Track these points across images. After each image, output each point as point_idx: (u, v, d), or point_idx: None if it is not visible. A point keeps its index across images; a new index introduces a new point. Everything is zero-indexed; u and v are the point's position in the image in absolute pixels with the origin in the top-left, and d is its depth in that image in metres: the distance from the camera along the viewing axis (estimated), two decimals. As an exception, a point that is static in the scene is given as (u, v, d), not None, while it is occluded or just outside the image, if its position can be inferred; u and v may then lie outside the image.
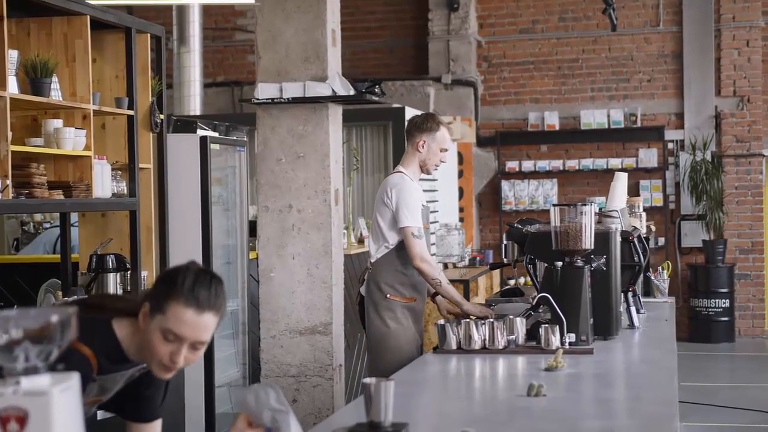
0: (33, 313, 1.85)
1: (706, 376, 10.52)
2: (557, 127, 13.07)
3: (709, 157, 12.59)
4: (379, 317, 5.27)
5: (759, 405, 8.83)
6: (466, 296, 9.06)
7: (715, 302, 12.45)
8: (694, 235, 12.80)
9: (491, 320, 4.45)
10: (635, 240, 5.19)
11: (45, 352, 1.84)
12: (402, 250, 5.26)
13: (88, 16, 5.33)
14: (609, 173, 12.80)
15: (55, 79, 5.08)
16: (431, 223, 9.73)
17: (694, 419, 8.30)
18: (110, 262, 5.59)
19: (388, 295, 5.27)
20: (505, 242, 5.34)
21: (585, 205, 4.54)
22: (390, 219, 5.26)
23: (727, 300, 12.47)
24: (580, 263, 4.53)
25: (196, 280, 2.64)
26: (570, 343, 4.36)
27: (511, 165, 13.16)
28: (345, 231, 8.09)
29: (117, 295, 2.88)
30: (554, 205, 4.58)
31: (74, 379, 1.87)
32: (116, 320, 2.76)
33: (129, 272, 5.73)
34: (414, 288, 5.30)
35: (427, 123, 5.41)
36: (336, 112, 6.28)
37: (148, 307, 2.67)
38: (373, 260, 5.35)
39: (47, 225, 9.39)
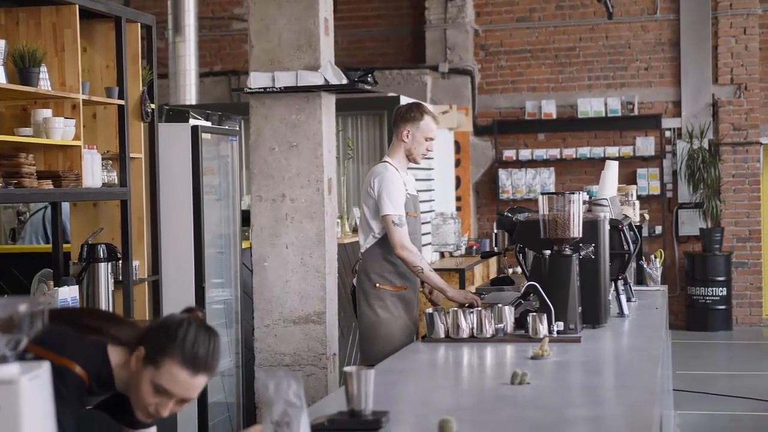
0: (1, 303, 1.85)
1: (703, 365, 10.52)
2: (554, 116, 13.06)
3: (706, 146, 12.58)
4: (369, 306, 5.29)
5: (755, 393, 8.84)
6: (462, 285, 9.07)
7: (713, 290, 12.45)
8: (691, 224, 12.79)
9: (479, 309, 4.45)
10: (625, 228, 5.18)
11: (13, 342, 1.84)
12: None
13: (77, 6, 5.32)
14: (606, 162, 12.77)
15: (43, 68, 5.07)
16: (426, 212, 9.78)
17: (691, 407, 8.31)
18: (101, 251, 5.59)
19: (377, 285, 5.29)
20: (495, 231, 5.33)
21: (573, 193, 4.54)
22: (374, 208, 5.31)
23: (725, 288, 12.47)
24: (568, 251, 4.53)
25: (197, 338, 2.63)
26: (558, 332, 4.36)
27: (509, 154, 13.15)
28: (339, 220, 8.09)
29: (114, 319, 2.81)
30: (542, 194, 4.58)
31: (44, 368, 1.87)
32: (111, 346, 2.72)
33: (120, 262, 5.74)
34: (403, 276, 5.31)
35: (410, 112, 5.41)
36: (329, 102, 6.27)
37: (143, 352, 2.64)
38: (362, 250, 5.38)
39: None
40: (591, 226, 4.67)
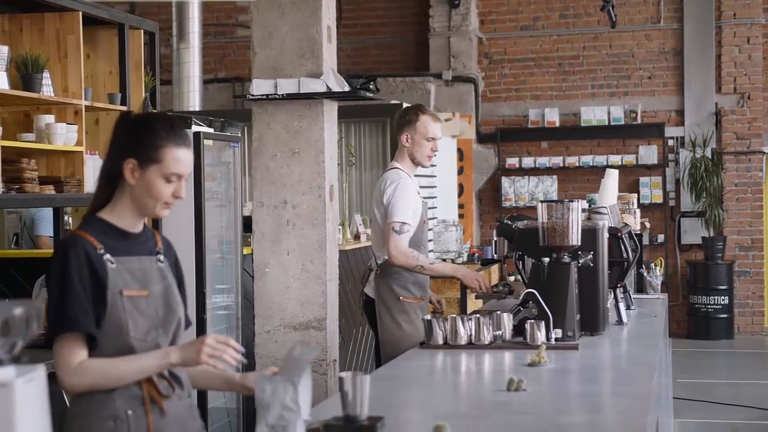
0: (-3, 306, 1.87)
1: (705, 373, 10.53)
2: (557, 124, 13.08)
3: (709, 154, 12.60)
4: (393, 320, 5.20)
5: (756, 402, 8.85)
6: (463, 292, 9.06)
7: (715, 299, 12.45)
8: (693, 232, 12.80)
9: (477, 315, 4.45)
10: (624, 236, 5.19)
11: (9, 344, 1.86)
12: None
13: (81, 12, 5.36)
14: (609, 170, 12.80)
15: (46, 74, 5.10)
16: (429, 219, 9.79)
17: (692, 416, 8.31)
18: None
19: (401, 297, 5.22)
20: (495, 238, 5.34)
21: (572, 201, 4.55)
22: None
23: (727, 297, 12.47)
24: (566, 259, 4.54)
25: (169, 123, 2.88)
26: (556, 339, 4.37)
27: (512, 161, 13.17)
28: (340, 227, 8.11)
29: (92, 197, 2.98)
30: (541, 202, 4.59)
31: (39, 371, 1.89)
32: (98, 212, 2.91)
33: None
34: (422, 287, 5.28)
35: (406, 116, 5.36)
36: (331, 109, 6.29)
37: (134, 163, 2.83)
38: (379, 261, 5.27)
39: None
40: (590, 234, 4.68)
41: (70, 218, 6.16)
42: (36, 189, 4.94)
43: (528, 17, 13.33)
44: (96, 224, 2.90)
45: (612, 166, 12.67)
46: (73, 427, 2.85)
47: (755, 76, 12.77)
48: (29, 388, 1.85)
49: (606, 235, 4.83)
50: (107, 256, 2.84)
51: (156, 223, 6.23)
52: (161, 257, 2.99)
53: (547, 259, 4.53)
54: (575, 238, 4.52)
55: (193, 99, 10.57)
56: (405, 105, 10.37)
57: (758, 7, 12.76)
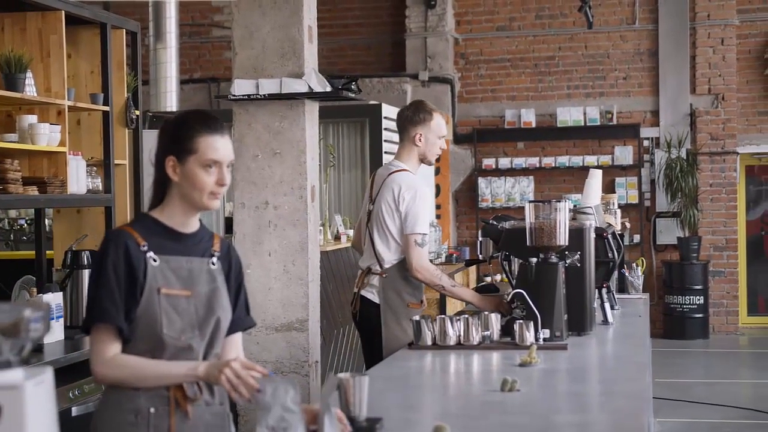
0: (5, 308, 1.85)
1: (681, 372, 10.58)
2: (534, 125, 13.12)
3: (684, 155, 12.67)
4: (399, 326, 5.07)
5: (733, 401, 8.91)
6: (442, 294, 9.06)
7: (690, 299, 12.53)
8: (669, 232, 12.87)
9: (466, 316, 4.44)
10: (609, 237, 5.21)
11: (18, 346, 1.84)
12: None
13: (63, 12, 5.31)
14: (585, 170, 12.76)
15: (29, 74, 5.05)
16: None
17: (670, 415, 8.35)
18: (85, 258, 5.56)
19: (409, 304, 5.11)
20: (480, 239, 5.33)
21: (559, 201, 4.56)
22: (401, 224, 5.07)
23: (702, 297, 12.55)
24: (554, 259, 4.55)
25: (202, 116, 2.95)
26: (544, 339, 4.37)
27: (488, 162, 13.19)
28: (321, 228, 8.09)
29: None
30: (529, 202, 4.60)
31: (47, 374, 1.87)
32: (151, 211, 2.98)
33: (104, 268, 5.71)
34: (421, 291, 5.22)
35: (419, 114, 5.19)
36: (312, 109, 6.28)
37: (174, 159, 2.90)
38: (387, 265, 5.12)
39: (22, 221, 9.34)
40: (577, 234, 4.69)
41: (52, 220, 6.11)
42: (20, 190, 4.89)
43: (504, 18, 13.36)
44: (145, 222, 2.95)
45: (589, 167, 12.74)
46: (98, 417, 2.94)
47: (729, 77, 12.85)
48: (39, 390, 1.83)
49: (593, 235, 4.85)
50: (150, 253, 2.89)
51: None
52: (214, 260, 3.01)
53: (534, 260, 4.54)
54: (563, 239, 4.53)
55: (170, 99, 10.51)
56: (384, 106, 10.40)
57: (732, 8, 12.85)
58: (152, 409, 2.87)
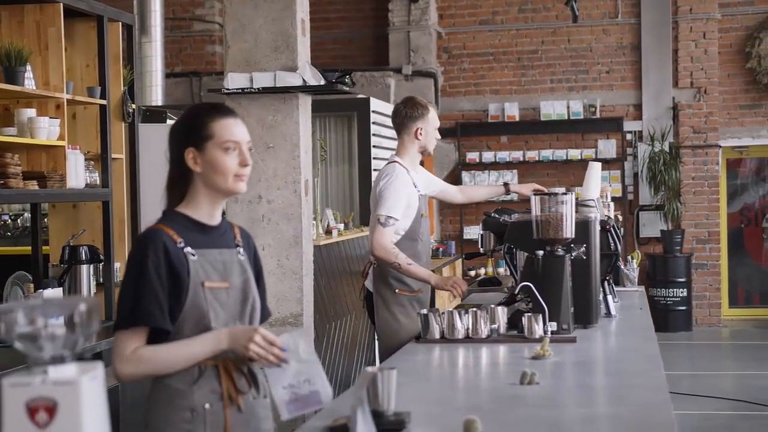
0: (59, 302, 1.82)
1: (667, 365, 10.55)
2: (517, 118, 13.13)
3: (667, 148, 12.72)
4: (390, 313, 5.21)
5: (716, 392, 8.96)
6: (432, 290, 9.05)
7: (673, 291, 12.59)
8: (652, 225, 12.93)
9: (474, 309, 4.44)
10: (612, 228, 5.22)
11: (71, 341, 1.82)
12: (405, 243, 5.21)
13: (61, 4, 5.25)
14: (568, 164, 12.90)
15: (29, 67, 5.00)
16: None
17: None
18: (83, 253, 5.52)
19: (396, 290, 5.23)
20: (481, 232, 5.33)
21: (566, 194, 4.56)
22: None
23: (685, 289, 12.61)
24: (560, 252, 4.55)
25: (210, 104, 2.98)
26: (552, 332, 4.38)
27: (472, 156, 13.20)
28: (313, 222, 8.06)
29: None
30: (535, 194, 4.59)
31: (99, 369, 1.85)
32: (176, 207, 2.95)
33: (102, 264, 5.67)
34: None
35: (416, 110, 5.40)
36: (305, 103, 6.26)
37: (193, 150, 2.90)
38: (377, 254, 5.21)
39: (6, 217, 9.25)
40: (582, 227, 4.69)
41: (44, 215, 6.05)
42: (20, 184, 4.84)
43: (487, 12, 13.36)
44: (175, 218, 2.93)
45: (572, 161, 12.79)
46: (151, 414, 2.90)
47: (711, 70, 12.91)
48: (92, 385, 1.81)
49: (598, 227, 4.85)
50: (188, 249, 2.87)
51: (136, 236, 6.15)
52: (241, 250, 3.01)
53: (541, 252, 4.54)
54: (569, 231, 4.53)
55: (155, 93, 10.44)
56: (372, 100, 10.37)
57: (714, 2, 12.90)
58: (207, 405, 2.85)
